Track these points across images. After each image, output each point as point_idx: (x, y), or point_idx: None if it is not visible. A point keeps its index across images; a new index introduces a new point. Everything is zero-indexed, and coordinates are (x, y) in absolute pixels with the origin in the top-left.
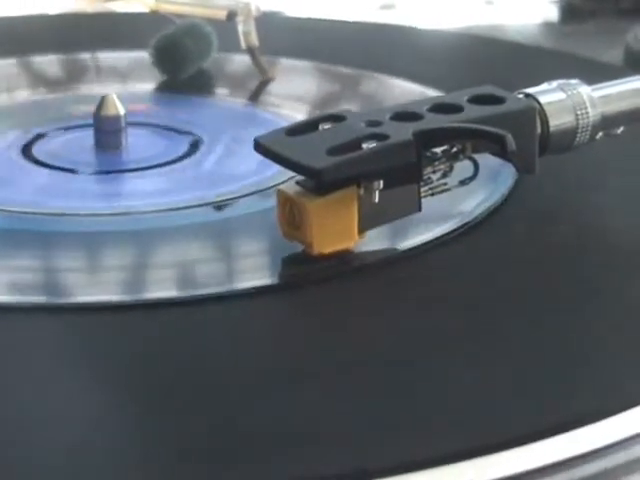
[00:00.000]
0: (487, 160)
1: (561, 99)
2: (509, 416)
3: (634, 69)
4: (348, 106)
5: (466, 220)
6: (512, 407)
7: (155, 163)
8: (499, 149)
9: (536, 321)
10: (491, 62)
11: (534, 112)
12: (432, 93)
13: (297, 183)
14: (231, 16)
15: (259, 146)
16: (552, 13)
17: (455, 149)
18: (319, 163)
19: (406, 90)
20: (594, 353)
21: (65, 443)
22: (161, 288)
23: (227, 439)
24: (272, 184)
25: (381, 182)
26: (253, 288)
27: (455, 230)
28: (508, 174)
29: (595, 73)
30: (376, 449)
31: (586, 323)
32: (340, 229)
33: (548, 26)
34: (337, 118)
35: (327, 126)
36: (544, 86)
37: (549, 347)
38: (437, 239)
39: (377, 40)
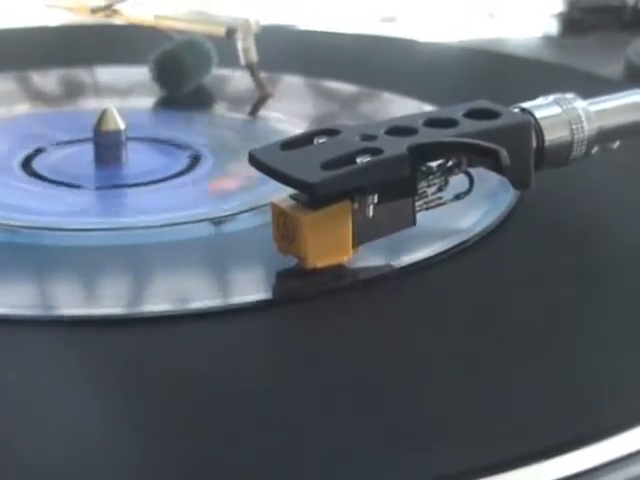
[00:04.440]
0: (485, 175)
1: (556, 113)
2: (509, 434)
3: (634, 82)
4: (347, 121)
5: (464, 238)
6: (512, 425)
7: (154, 178)
8: (494, 164)
9: (537, 337)
10: (492, 75)
11: (529, 127)
12: (433, 108)
13: (291, 197)
14: (230, 33)
15: (254, 159)
16: (553, 26)
17: (450, 163)
18: (313, 177)
19: (405, 105)
20: (601, 369)
21: (63, 457)
22: (156, 303)
23: (225, 453)
24: (270, 200)
25: (375, 196)
26: (247, 303)
27: (453, 248)
28: (507, 190)
29: (595, 87)
30: (375, 466)
31: (590, 338)
32: (334, 243)
33: (549, 39)
34: (332, 132)
35: (322, 140)
36: (540, 100)
37: (554, 365)
38: (436, 256)
39: (378, 53)
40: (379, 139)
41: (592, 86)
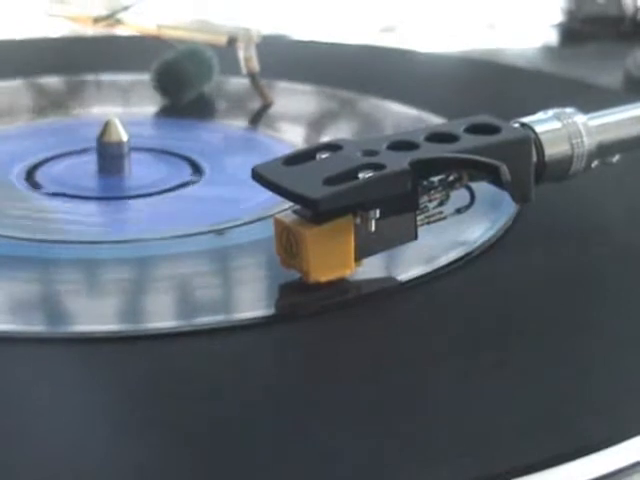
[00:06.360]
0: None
1: (556, 128)
2: (509, 445)
3: (633, 93)
4: (348, 130)
5: (467, 251)
6: (515, 436)
7: (157, 189)
8: (494, 179)
9: (539, 349)
10: (491, 85)
11: (530, 142)
12: (433, 118)
13: (294, 212)
14: (232, 42)
15: (257, 175)
16: (552, 37)
17: (451, 178)
18: (316, 193)
19: (406, 115)
20: (602, 379)
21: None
22: (159, 319)
23: (226, 469)
24: (273, 211)
25: (377, 211)
26: (250, 319)
27: (456, 261)
28: (508, 203)
29: (594, 97)
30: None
31: (589, 348)
32: (337, 257)
33: (548, 50)
34: (334, 147)
35: (324, 155)
36: (540, 115)
37: (556, 374)
38: (438, 269)
39: (377, 63)
40: (381, 154)
41: (591, 97)
